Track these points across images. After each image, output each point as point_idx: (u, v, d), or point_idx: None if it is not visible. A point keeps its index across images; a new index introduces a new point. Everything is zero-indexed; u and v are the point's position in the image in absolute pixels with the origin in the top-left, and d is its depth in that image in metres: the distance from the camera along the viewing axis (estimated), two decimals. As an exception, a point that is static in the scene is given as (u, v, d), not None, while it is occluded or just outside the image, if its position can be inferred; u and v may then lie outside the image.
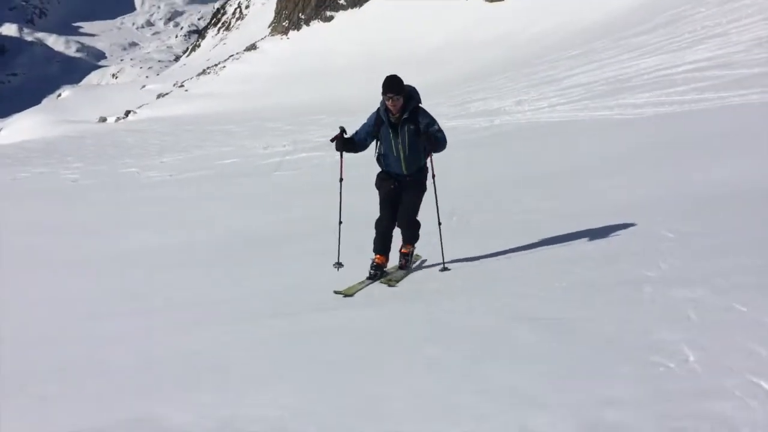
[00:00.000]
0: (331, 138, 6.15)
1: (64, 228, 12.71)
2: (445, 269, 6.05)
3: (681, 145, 10.69)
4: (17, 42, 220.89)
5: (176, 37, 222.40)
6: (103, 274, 8.86)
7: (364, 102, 35.38)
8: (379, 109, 5.99)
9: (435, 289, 5.42)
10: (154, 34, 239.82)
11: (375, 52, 55.37)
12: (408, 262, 6.38)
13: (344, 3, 67.94)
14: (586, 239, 5.98)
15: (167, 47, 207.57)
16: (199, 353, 4.45)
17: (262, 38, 72.06)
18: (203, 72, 67.60)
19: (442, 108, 22.77)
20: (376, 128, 6.04)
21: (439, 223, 6.31)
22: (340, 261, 6.33)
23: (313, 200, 12.73)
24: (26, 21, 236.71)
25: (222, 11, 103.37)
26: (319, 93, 44.68)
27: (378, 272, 6.19)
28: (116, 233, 11.81)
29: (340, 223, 6.40)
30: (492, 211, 9.07)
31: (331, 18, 67.97)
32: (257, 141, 26.36)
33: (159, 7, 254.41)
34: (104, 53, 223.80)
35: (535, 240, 6.45)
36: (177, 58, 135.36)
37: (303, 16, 69.88)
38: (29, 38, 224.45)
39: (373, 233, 6.27)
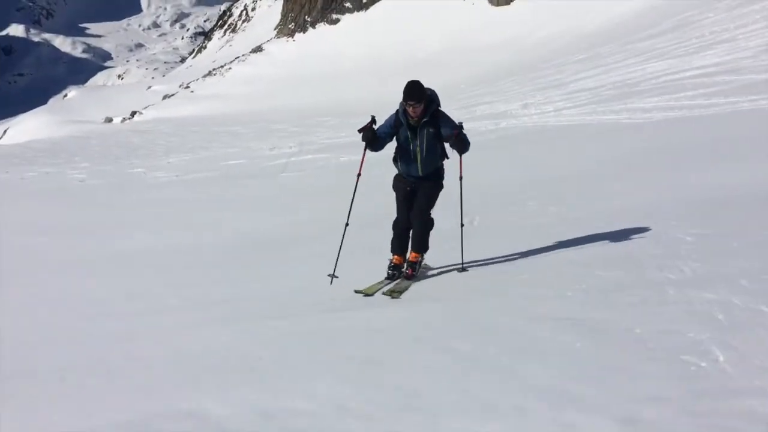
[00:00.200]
0: (359, 128, 6.05)
1: (73, 228, 12.72)
2: (463, 270, 6.07)
3: (692, 149, 10.67)
4: (24, 42, 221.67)
5: (182, 38, 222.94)
6: (114, 275, 8.86)
7: (371, 104, 35.40)
8: (398, 111, 5.98)
9: (455, 289, 5.42)
10: (160, 35, 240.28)
11: (381, 54, 55.40)
12: (415, 271, 6.18)
13: (350, 6, 67.99)
14: (600, 242, 5.95)
15: (173, 49, 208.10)
16: (228, 349, 4.47)
17: (268, 40, 72.11)
18: (209, 73, 67.65)
19: (448, 111, 22.62)
20: (394, 130, 6.04)
21: (462, 225, 6.31)
22: (335, 273, 6.12)
23: (319, 203, 12.73)
24: (33, 22, 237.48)
25: (228, 13, 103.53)
26: (325, 95, 44.68)
27: (396, 272, 6.19)
28: (124, 234, 11.82)
29: (347, 225, 6.33)
30: (499, 215, 9.01)
31: (337, 21, 68.01)
32: (263, 142, 26.36)
33: (165, 9, 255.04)
34: (110, 54, 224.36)
35: (547, 243, 6.40)
36: (183, 60, 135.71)
37: (309, 19, 69.96)
38: (36, 39, 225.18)
39: (389, 234, 6.26)
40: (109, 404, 3.70)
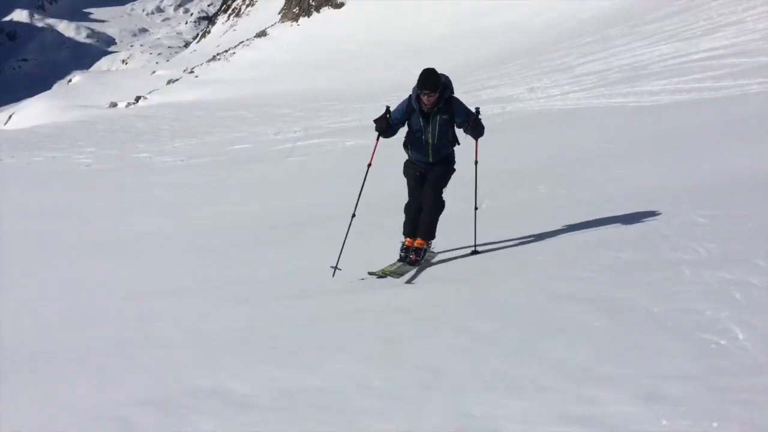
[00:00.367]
0: (374, 118, 6.07)
1: (82, 212, 12.80)
2: (475, 252, 6.10)
3: (701, 132, 10.64)
4: (28, 28, 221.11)
5: (186, 23, 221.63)
6: (126, 257, 8.88)
7: (376, 88, 35.38)
8: (410, 96, 5.95)
9: (472, 271, 5.44)
10: (164, 20, 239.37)
11: (386, 38, 55.12)
12: (419, 257, 6.10)
13: (354, -10, 67.60)
14: (612, 224, 5.94)
15: (177, 33, 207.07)
16: (247, 329, 4.49)
17: (273, 25, 71.77)
18: (213, 58, 67.36)
19: (456, 95, 22.58)
20: (406, 116, 6.01)
21: (476, 208, 6.34)
22: (338, 265, 6.01)
23: (327, 186, 12.75)
24: (37, 7, 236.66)
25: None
26: (330, 80, 44.52)
27: (408, 254, 6.18)
28: (133, 217, 11.87)
29: (353, 216, 6.29)
30: (510, 198, 9.00)
31: (341, 5, 67.64)
32: (268, 127, 26.33)
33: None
34: (114, 39, 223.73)
35: (560, 226, 6.40)
36: (187, 45, 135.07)
37: (314, 3, 69.56)
38: (40, 24, 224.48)
39: (401, 218, 6.27)
40: (130, 383, 3.73)
